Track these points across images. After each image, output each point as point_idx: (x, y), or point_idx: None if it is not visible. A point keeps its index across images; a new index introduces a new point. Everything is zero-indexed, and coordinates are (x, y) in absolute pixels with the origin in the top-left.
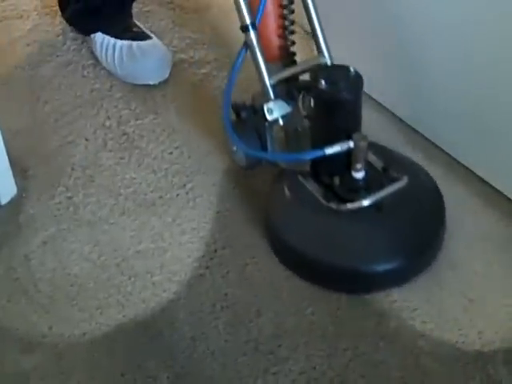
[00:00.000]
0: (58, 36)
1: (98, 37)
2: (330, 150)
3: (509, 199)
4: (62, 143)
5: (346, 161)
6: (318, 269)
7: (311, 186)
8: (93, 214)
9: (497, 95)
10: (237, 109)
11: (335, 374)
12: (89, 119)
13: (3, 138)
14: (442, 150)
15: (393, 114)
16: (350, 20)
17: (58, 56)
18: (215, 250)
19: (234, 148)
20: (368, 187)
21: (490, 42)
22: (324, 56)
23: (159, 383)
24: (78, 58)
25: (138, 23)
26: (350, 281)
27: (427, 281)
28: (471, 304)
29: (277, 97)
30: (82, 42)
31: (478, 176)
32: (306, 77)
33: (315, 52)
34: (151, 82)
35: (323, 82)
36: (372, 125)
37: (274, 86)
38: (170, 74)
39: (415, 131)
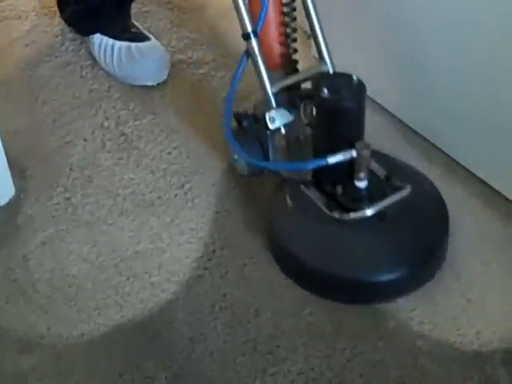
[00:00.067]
0: (57, 37)
1: (97, 38)
2: (333, 159)
3: (507, 199)
4: (61, 144)
5: (348, 170)
6: (321, 279)
7: (313, 195)
8: (91, 214)
9: (496, 96)
10: (238, 117)
11: (334, 375)
12: (87, 120)
13: (1, 139)
14: (441, 151)
15: (392, 115)
16: (350, 22)
17: (56, 56)
18: (214, 251)
19: (236, 157)
20: (371, 196)
21: (490, 42)
22: (326, 64)
23: (158, 383)
24: (77, 58)
25: (136, 24)
26: (352, 291)
27: None
28: (469, 304)
29: (279, 105)
30: (81, 43)
31: (476, 176)
32: (307, 84)
33: (314, 53)
34: (150, 83)
35: (326, 90)
36: (371, 126)
37: (275, 95)
38: (169, 74)
39: (414, 132)
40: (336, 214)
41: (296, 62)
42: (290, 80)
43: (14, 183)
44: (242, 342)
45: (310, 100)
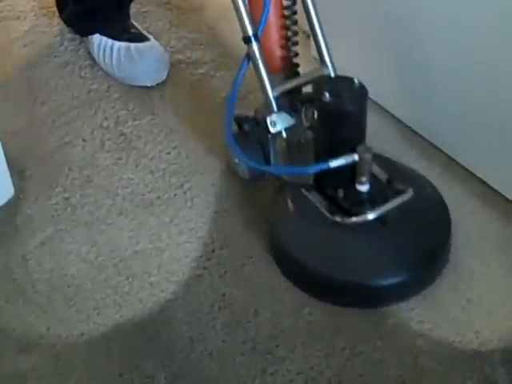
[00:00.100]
0: (56, 37)
1: (96, 38)
2: (335, 163)
3: (507, 199)
4: (60, 144)
5: (350, 173)
6: (323, 283)
7: (315, 199)
8: (90, 214)
9: (496, 96)
10: (239, 121)
11: (333, 374)
12: (86, 120)
13: (0, 139)
14: (441, 151)
15: (391, 115)
16: (349, 21)
17: (55, 57)
18: (213, 250)
19: (237, 160)
20: (372, 200)
21: (490, 42)
22: (327, 67)
23: (157, 383)
24: (76, 58)
25: (135, 24)
26: (355, 296)
27: None
28: (469, 304)
29: (280, 109)
30: (80, 43)
31: (476, 176)
32: (308, 88)
33: (314, 53)
34: (149, 84)
35: (327, 94)
36: (370, 126)
37: (277, 98)
38: (168, 74)
39: (413, 132)
40: (338, 218)
41: (297, 65)
42: (291, 83)
43: (13, 183)
44: (241, 341)
45: (312, 104)
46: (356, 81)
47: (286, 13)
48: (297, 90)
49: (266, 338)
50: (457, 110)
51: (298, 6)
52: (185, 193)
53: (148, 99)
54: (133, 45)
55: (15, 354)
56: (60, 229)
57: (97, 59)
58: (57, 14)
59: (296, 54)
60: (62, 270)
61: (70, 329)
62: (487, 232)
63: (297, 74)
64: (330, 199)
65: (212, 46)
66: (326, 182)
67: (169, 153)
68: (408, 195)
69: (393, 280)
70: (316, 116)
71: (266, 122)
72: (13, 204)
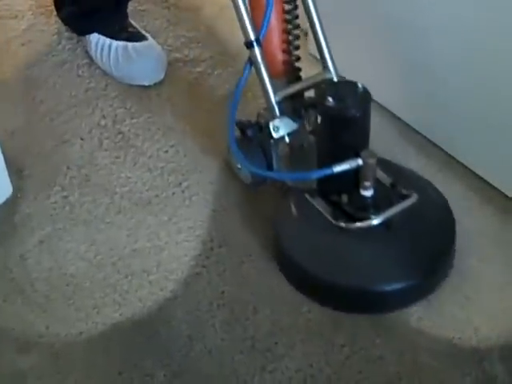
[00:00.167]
0: (53, 36)
1: (94, 37)
2: (339, 168)
3: (505, 195)
4: (58, 143)
5: (354, 178)
6: (327, 289)
7: (318, 204)
8: (89, 213)
9: (495, 94)
10: (242, 126)
11: (332, 371)
12: (84, 118)
13: None
14: (439, 148)
15: (389, 112)
16: (348, 20)
17: (53, 56)
18: (211, 249)
19: (239, 166)
20: (377, 205)
21: (489, 40)
22: (330, 71)
23: (156, 381)
24: (73, 57)
25: (133, 23)
26: (359, 302)
27: None
28: (468, 301)
29: (282, 114)
30: (77, 42)
31: (474, 173)
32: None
33: (311, 51)
34: (146, 84)
35: (330, 98)
36: None
37: (279, 103)
38: (165, 72)
39: (411, 129)
40: (342, 223)
41: (299, 69)
42: (294, 88)
43: (12, 182)
44: (240, 339)
45: (315, 108)
46: (359, 85)
47: (288, 17)
48: (299, 94)
49: (265, 335)
50: (456, 107)
51: (299, 9)
52: (183, 191)
53: (146, 97)
54: (130, 44)
55: (14, 354)
56: (58, 228)
57: (94, 58)
58: (54, 12)
59: (298, 59)
60: (60, 269)
61: (69, 328)
62: (486, 229)
63: (299, 79)
64: (334, 204)
65: (209, 44)
66: (329, 187)
67: (167, 151)
68: (412, 200)
69: (398, 286)
70: (319, 121)
71: (268, 127)
72: (11, 203)
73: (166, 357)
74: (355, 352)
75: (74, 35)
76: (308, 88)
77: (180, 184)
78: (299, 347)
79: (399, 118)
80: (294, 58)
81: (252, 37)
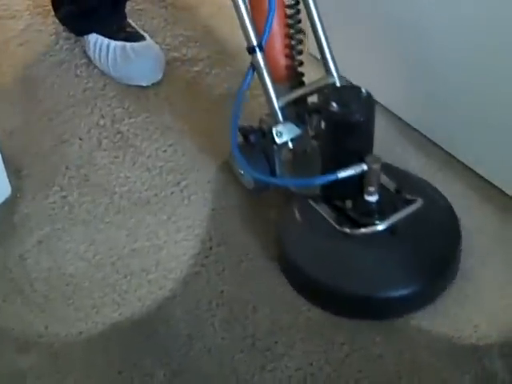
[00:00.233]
0: (51, 35)
1: (92, 37)
2: (343, 174)
3: (504, 193)
4: (56, 143)
5: (358, 184)
6: (333, 296)
7: (323, 210)
8: (88, 213)
9: (495, 92)
10: (244, 132)
11: (332, 370)
12: (83, 118)
13: None
14: (438, 146)
15: (389, 111)
16: (348, 19)
17: (51, 55)
18: (210, 248)
19: (242, 172)
20: (381, 210)
21: (490, 39)
22: (333, 76)
23: (156, 381)
24: (71, 57)
25: (131, 23)
26: (365, 308)
27: None
28: (467, 298)
29: (286, 119)
30: (75, 42)
31: (473, 171)
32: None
33: (310, 50)
34: (144, 84)
35: (334, 103)
36: None
37: (282, 109)
38: (163, 72)
39: (411, 127)
40: (346, 229)
41: (302, 74)
42: (297, 93)
43: (10, 182)
44: (239, 338)
45: (319, 114)
46: (363, 90)
47: (290, 22)
48: (302, 99)
49: (265, 334)
50: (456, 106)
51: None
52: (182, 190)
53: (144, 97)
54: (129, 44)
55: (14, 353)
56: (57, 228)
57: (92, 58)
58: (52, 12)
59: (301, 63)
60: (59, 269)
61: (69, 327)
62: (486, 227)
63: (302, 84)
64: (339, 210)
65: (207, 43)
66: (333, 193)
67: (165, 150)
68: (417, 205)
69: (404, 292)
70: (323, 126)
71: (271, 133)
72: (10, 203)
73: (166, 356)
74: (355, 350)
75: (72, 35)
76: (311, 93)
77: (179, 183)
78: (299, 346)
79: (399, 118)
80: (296, 62)
81: (254, 42)
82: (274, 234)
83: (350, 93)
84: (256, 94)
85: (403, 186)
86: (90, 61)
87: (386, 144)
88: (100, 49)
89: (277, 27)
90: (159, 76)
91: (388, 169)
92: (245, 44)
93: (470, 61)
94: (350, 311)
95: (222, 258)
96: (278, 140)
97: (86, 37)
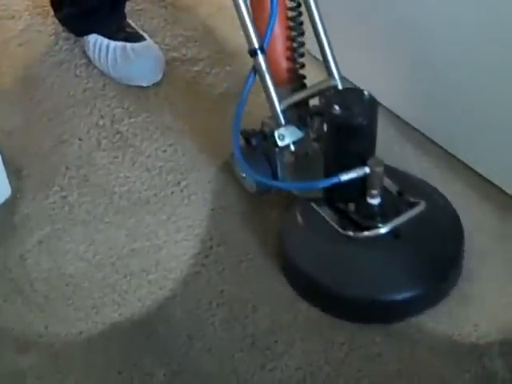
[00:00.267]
0: (51, 36)
1: (91, 37)
2: (346, 177)
3: (504, 192)
4: (56, 143)
5: (361, 186)
6: (337, 299)
7: (325, 213)
8: (87, 213)
9: (494, 90)
10: (246, 135)
11: (332, 369)
12: (82, 118)
13: None
14: (437, 144)
15: (388, 110)
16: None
17: (50, 56)
18: (211, 247)
19: (244, 175)
20: (384, 213)
21: (490, 37)
22: (335, 78)
23: (156, 381)
24: (71, 57)
25: (131, 23)
26: (369, 312)
27: None
28: (466, 297)
29: (288, 122)
30: (75, 42)
31: (472, 170)
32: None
33: (309, 50)
34: (144, 84)
35: (337, 106)
36: None
37: (284, 112)
38: (163, 72)
39: (410, 126)
40: (350, 232)
41: (303, 77)
42: (299, 96)
43: (10, 183)
44: (239, 337)
45: (321, 116)
46: (366, 93)
47: (291, 24)
48: (304, 102)
49: (265, 333)
50: (455, 104)
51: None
52: (181, 190)
53: (144, 97)
54: (129, 45)
55: (14, 353)
56: (57, 228)
57: (92, 59)
58: (51, 13)
59: (302, 66)
60: (59, 269)
61: (69, 327)
62: (485, 226)
63: (303, 86)
64: (341, 213)
65: (207, 42)
66: (336, 196)
67: (165, 150)
68: (420, 207)
69: (407, 295)
70: (326, 129)
71: (273, 136)
72: (10, 203)
73: (166, 356)
74: (354, 350)
75: (71, 35)
76: (313, 96)
77: (179, 183)
78: (299, 345)
79: (398, 117)
80: (298, 65)
81: (256, 45)
82: (277, 237)
83: (352, 95)
84: (258, 97)
85: (405, 188)
86: (89, 61)
87: (385, 143)
88: (100, 49)
89: (278, 29)
90: (159, 76)
91: (390, 171)
92: (244, 43)
93: (469, 60)
94: (353, 315)
95: (222, 257)
96: (280, 143)
97: (85, 37)
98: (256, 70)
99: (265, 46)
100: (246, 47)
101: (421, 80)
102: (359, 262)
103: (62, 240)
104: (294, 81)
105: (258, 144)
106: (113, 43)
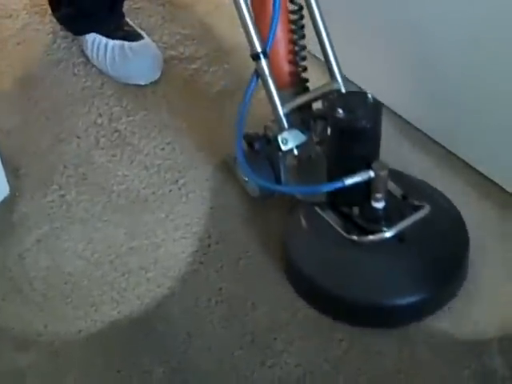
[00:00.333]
0: (48, 34)
1: (90, 36)
2: (350, 181)
3: (504, 190)
4: (54, 141)
5: (365, 190)
6: (342, 304)
7: (329, 217)
8: (86, 211)
9: (495, 89)
10: (249, 139)
11: (331, 366)
12: (80, 117)
13: None
14: (436, 142)
15: (387, 108)
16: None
17: (48, 54)
18: (209, 245)
19: (246, 179)
20: (389, 217)
21: (489, 36)
22: (337, 81)
23: (155, 378)
24: (69, 56)
25: (129, 22)
26: (375, 316)
27: None
28: (466, 294)
29: (291, 126)
30: (73, 40)
31: (472, 167)
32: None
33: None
34: (142, 83)
35: (341, 110)
36: None
37: (287, 115)
38: (161, 70)
39: (411, 125)
40: (354, 237)
41: (306, 80)
42: (301, 99)
43: (9, 182)
44: (238, 335)
45: (325, 120)
46: (369, 96)
47: (293, 27)
48: (307, 105)
49: (264, 331)
50: (456, 103)
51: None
52: (180, 188)
53: (142, 95)
54: (127, 43)
55: (13, 352)
56: (56, 226)
57: (90, 57)
58: (49, 11)
59: (305, 69)
60: (58, 268)
61: (68, 326)
62: (484, 223)
63: (306, 90)
64: (345, 217)
65: (205, 41)
66: (340, 200)
67: (163, 148)
68: (425, 211)
69: (413, 299)
70: (329, 133)
71: (277, 140)
72: (8, 202)
73: (165, 354)
74: (353, 347)
75: (69, 34)
76: (316, 99)
77: (177, 181)
78: (298, 343)
79: (399, 116)
80: (300, 68)
81: (258, 49)
82: (280, 241)
83: (356, 99)
84: (260, 100)
85: (410, 191)
86: (87, 59)
87: (386, 142)
88: (98, 48)
89: (280, 33)
90: (157, 75)
91: (394, 174)
92: (242, 41)
93: (470, 59)
94: (358, 319)
95: (221, 255)
96: (283, 147)
97: (83, 36)
98: (258, 73)
99: (267, 49)
100: (243, 45)
101: (421, 79)
102: (364, 266)
103: (60, 238)
104: (297, 84)
105: (261, 148)
106: (111, 42)
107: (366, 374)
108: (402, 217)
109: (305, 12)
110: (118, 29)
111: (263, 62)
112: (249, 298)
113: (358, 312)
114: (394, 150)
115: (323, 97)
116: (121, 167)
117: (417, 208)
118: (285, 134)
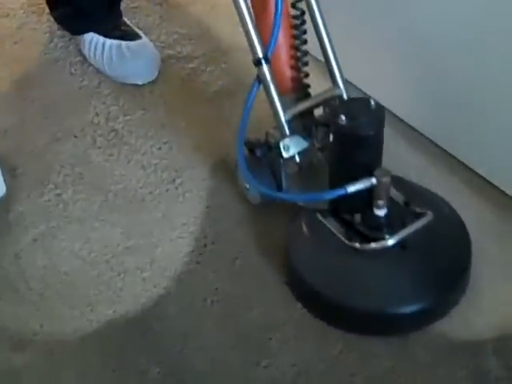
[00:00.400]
0: (46, 34)
1: (87, 35)
2: (352, 188)
3: (504, 193)
4: (51, 141)
5: (367, 197)
6: (343, 312)
7: (331, 225)
8: (82, 210)
9: (495, 91)
10: (251, 146)
11: (326, 366)
12: (77, 116)
13: None
14: (436, 144)
15: (386, 110)
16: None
17: (45, 54)
18: (205, 245)
19: (247, 186)
20: (391, 224)
21: (489, 36)
22: (339, 87)
23: (150, 378)
24: (66, 55)
25: (127, 21)
26: (377, 324)
27: None
28: (463, 296)
29: (293, 132)
30: (70, 39)
31: (472, 170)
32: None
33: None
34: (140, 83)
35: (343, 116)
36: None
37: (289, 122)
38: (158, 70)
39: (410, 127)
40: (356, 244)
41: (308, 86)
42: (303, 105)
43: (5, 181)
44: (234, 335)
45: (327, 127)
46: (372, 102)
47: (295, 32)
48: (308, 111)
49: (259, 331)
50: (456, 105)
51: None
52: (176, 188)
53: (139, 95)
54: (124, 43)
55: (9, 352)
56: (52, 226)
57: (87, 56)
58: (46, 10)
59: (306, 75)
60: (54, 267)
61: (64, 325)
62: (483, 225)
63: (308, 95)
64: (347, 224)
65: (202, 40)
66: (342, 207)
67: (160, 148)
68: (427, 218)
69: (414, 308)
70: (332, 139)
71: (278, 147)
72: (5, 201)
73: (161, 353)
74: (349, 347)
75: (66, 33)
76: (318, 105)
77: (173, 181)
78: (293, 343)
79: (398, 117)
80: (302, 74)
81: (260, 54)
82: (282, 248)
83: (358, 105)
84: (262, 105)
85: (412, 198)
86: (84, 59)
87: (385, 144)
88: (95, 47)
89: (282, 38)
90: (154, 75)
91: (396, 181)
92: (240, 40)
93: (469, 60)
94: (360, 327)
95: (217, 255)
96: (285, 154)
97: (81, 35)
98: (260, 79)
99: (269, 55)
100: (241, 45)
101: (421, 80)
102: (366, 274)
103: (56, 238)
104: (299, 90)
105: (263, 155)
106: (108, 41)
107: (361, 374)
108: (405, 224)
109: (306, 17)
110: (115, 28)
111: (265, 68)
112: (244, 298)
113: (359, 319)
114: (393, 152)
115: (325, 103)
116: (118, 167)
117: (419, 215)
118: (286, 141)
